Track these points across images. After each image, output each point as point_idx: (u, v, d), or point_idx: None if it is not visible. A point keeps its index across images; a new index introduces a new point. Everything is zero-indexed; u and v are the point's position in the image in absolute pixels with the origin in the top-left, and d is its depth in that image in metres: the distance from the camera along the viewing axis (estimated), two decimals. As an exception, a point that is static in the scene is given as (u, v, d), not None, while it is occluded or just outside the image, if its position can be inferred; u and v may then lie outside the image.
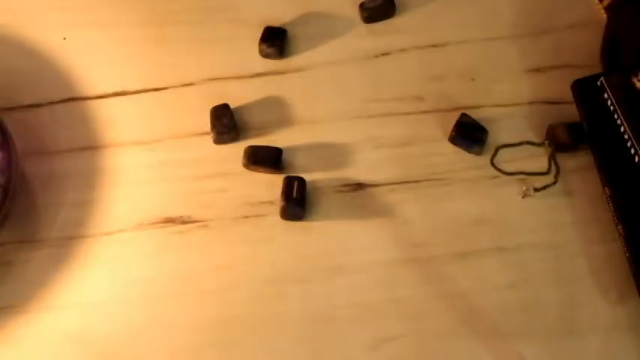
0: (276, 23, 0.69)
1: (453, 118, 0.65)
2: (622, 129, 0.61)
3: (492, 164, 0.65)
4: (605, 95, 0.62)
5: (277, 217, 0.62)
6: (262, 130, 0.66)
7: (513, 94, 0.67)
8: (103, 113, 0.67)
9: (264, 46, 0.68)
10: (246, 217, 0.63)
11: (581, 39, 0.68)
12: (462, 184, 0.64)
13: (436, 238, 0.62)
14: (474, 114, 0.65)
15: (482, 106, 0.66)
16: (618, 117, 0.61)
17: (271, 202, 0.63)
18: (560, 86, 0.66)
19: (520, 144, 0.65)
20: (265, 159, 0.64)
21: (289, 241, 0.62)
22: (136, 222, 0.63)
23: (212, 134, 0.65)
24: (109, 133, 0.66)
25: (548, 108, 0.66)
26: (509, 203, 0.63)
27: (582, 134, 0.64)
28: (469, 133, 0.64)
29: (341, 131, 0.66)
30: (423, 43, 0.69)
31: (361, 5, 0.69)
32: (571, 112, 0.64)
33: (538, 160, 0.64)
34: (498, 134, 0.65)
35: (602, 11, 0.69)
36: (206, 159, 0.65)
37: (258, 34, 0.68)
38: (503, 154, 0.65)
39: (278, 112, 0.67)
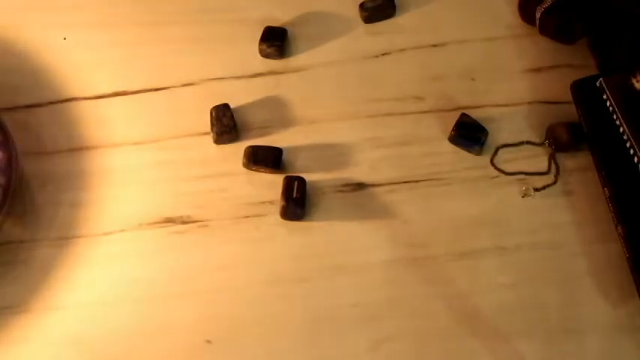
0: (276, 23, 0.69)
1: (453, 118, 0.65)
2: (621, 129, 0.61)
3: (492, 164, 0.65)
4: (605, 96, 0.62)
5: (277, 217, 0.62)
6: (262, 130, 0.66)
7: (513, 94, 0.67)
8: (103, 113, 0.67)
9: (264, 46, 0.68)
10: (247, 217, 0.63)
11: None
12: (462, 184, 0.64)
13: (436, 238, 0.62)
14: (474, 114, 0.65)
15: (483, 106, 0.66)
16: (617, 117, 0.61)
17: (271, 202, 0.63)
18: (560, 86, 0.66)
19: (520, 144, 0.65)
20: (265, 159, 0.64)
21: (289, 241, 0.62)
22: (136, 222, 0.63)
23: (212, 134, 0.65)
24: (108, 133, 0.66)
25: (548, 108, 0.66)
26: (509, 203, 0.63)
27: (582, 134, 0.64)
28: (469, 133, 0.64)
29: (341, 131, 0.66)
30: (423, 43, 0.69)
31: (361, 5, 0.69)
32: (571, 112, 0.65)
33: (538, 160, 0.65)
34: (498, 134, 0.65)
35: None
36: (206, 159, 0.65)
37: (258, 34, 0.68)
38: (503, 154, 0.65)
39: (278, 112, 0.67)
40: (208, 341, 0.59)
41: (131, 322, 0.60)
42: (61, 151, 0.65)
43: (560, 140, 0.64)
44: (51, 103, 0.67)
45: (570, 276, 0.60)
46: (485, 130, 0.64)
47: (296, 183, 0.62)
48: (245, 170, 0.64)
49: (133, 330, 0.60)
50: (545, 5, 0.65)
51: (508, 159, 0.65)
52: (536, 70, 0.68)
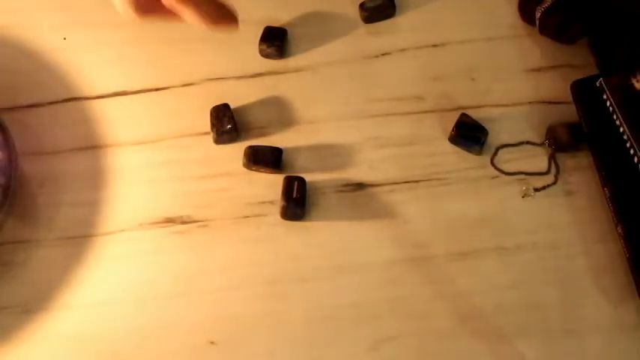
0: (276, 23, 0.69)
1: (453, 118, 0.65)
2: (621, 130, 0.61)
3: (492, 164, 0.65)
4: (605, 96, 0.62)
5: (277, 217, 0.62)
6: (262, 130, 0.66)
7: (513, 94, 0.67)
8: (103, 113, 0.67)
9: (264, 46, 0.68)
10: (247, 217, 0.63)
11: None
12: (462, 184, 0.64)
13: (436, 238, 0.62)
14: (474, 114, 0.65)
15: (483, 106, 0.66)
16: (617, 118, 0.61)
17: (271, 202, 0.63)
18: (560, 86, 0.66)
19: (520, 144, 0.65)
20: (265, 159, 0.64)
21: (289, 241, 0.62)
22: (136, 222, 0.63)
23: (212, 134, 0.65)
24: (109, 133, 0.66)
25: (548, 108, 0.66)
26: (509, 203, 0.63)
27: (582, 134, 0.64)
28: (469, 133, 0.64)
29: (341, 131, 0.66)
30: (423, 43, 0.69)
31: (361, 5, 0.69)
32: (571, 112, 0.65)
33: (538, 160, 0.65)
34: (498, 134, 0.65)
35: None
36: (206, 159, 0.65)
37: (258, 34, 0.68)
38: (503, 154, 0.65)
39: (278, 112, 0.67)
40: (212, 342, 0.59)
41: (131, 322, 0.60)
42: (61, 151, 0.65)
43: (560, 140, 0.64)
44: (51, 103, 0.67)
45: (570, 276, 0.60)
46: (485, 130, 0.64)
47: (296, 183, 0.62)
48: (245, 170, 0.64)
49: (133, 330, 0.60)
50: (545, 5, 0.65)
51: (508, 159, 0.65)
52: (537, 70, 0.68)
